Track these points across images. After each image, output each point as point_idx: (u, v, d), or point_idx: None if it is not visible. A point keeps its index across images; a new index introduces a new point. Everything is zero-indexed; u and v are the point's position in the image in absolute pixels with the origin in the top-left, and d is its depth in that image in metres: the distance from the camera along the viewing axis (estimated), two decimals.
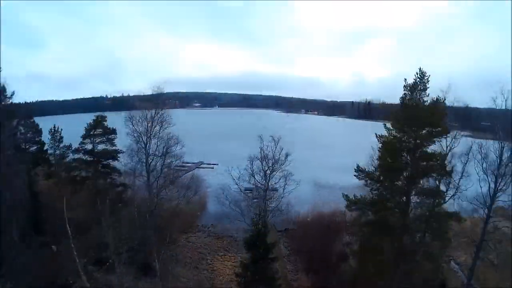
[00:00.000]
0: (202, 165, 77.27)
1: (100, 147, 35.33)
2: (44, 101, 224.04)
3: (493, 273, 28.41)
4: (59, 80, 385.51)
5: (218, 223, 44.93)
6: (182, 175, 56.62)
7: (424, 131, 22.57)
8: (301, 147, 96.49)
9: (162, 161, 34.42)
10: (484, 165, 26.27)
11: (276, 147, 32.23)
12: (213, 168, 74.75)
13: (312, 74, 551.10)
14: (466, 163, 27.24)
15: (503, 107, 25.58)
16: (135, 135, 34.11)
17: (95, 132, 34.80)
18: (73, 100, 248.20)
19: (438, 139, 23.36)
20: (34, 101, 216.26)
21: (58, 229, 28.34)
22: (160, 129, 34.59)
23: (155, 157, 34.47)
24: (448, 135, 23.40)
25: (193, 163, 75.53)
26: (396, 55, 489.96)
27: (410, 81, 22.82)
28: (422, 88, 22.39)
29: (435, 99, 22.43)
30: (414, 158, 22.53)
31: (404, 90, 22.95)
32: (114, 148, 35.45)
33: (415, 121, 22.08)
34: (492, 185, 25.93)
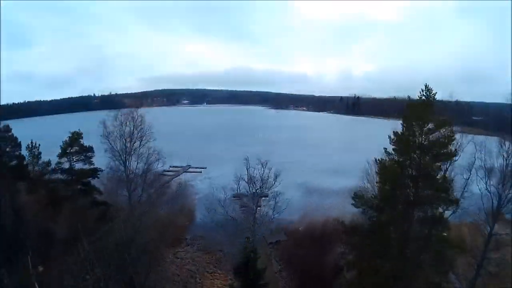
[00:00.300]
0: (189, 169, 74.54)
1: (78, 165, 33.34)
2: (32, 102, 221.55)
3: (493, 285, 27.55)
4: (47, 80, 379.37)
5: (208, 234, 43.12)
6: (170, 180, 55.03)
7: (429, 155, 20.62)
8: (292, 146, 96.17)
9: (143, 179, 32.48)
10: (488, 182, 24.96)
11: (264, 170, 30.12)
12: (201, 172, 72.36)
13: (300, 69, 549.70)
14: (468, 179, 25.61)
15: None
16: (114, 153, 32.11)
17: (71, 150, 32.73)
18: (61, 99, 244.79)
19: (443, 163, 21.54)
20: (21, 102, 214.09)
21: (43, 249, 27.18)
22: (140, 145, 32.70)
23: (135, 176, 32.52)
24: (455, 158, 21.51)
25: (181, 167, 73.27)
26: (383, 49, 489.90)
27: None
28: (427, 105, 20.14)
29: (441, 121, 20.31)
30: (417, 185, 20.63)
31: (407, 108, 21.11)
32: (92, 166, 33.46)
33: (418, 144, 20.19)
34: (495, 202, 24.69)
